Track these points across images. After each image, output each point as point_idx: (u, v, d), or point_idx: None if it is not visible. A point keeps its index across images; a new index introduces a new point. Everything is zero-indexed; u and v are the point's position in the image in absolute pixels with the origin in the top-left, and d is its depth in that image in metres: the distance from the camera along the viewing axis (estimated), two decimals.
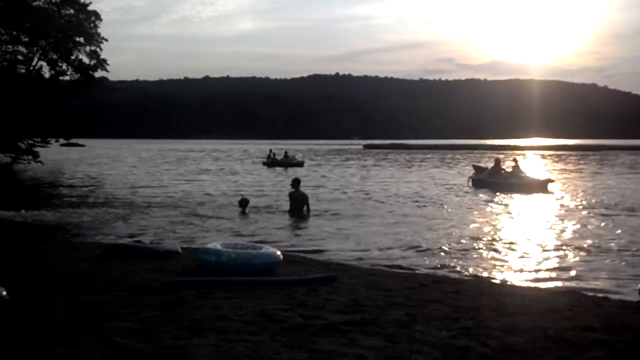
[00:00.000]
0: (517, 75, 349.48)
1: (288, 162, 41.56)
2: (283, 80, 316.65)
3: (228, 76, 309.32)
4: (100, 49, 41.07)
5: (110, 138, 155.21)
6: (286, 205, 15.28)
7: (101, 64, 41.19)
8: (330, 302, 5.67)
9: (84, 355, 3.90)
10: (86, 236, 11.59)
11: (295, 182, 15.28)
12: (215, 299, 5.64)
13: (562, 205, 17.37)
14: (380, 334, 4.62)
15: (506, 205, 17.66)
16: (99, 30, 40.82)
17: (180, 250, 8.63)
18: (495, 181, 22.28)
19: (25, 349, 4.01)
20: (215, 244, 7.66)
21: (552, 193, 20.67)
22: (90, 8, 39.86)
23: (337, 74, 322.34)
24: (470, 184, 23.74)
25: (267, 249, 7.73)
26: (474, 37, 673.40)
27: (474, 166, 26.80)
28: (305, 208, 14.78)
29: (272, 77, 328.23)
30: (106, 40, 41.36)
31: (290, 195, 15.08)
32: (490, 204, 17.93)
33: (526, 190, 20.55)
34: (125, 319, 4.83)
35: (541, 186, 21.55)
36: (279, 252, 7.61)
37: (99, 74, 41.76)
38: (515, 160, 24.01)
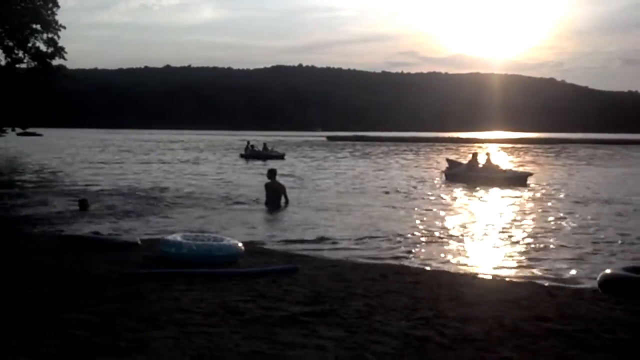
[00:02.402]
0: (478, 69, 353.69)
1: (268, 154, 40.31)
2: (246, 70, 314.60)
3: (190, 66, 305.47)
4: (58, 37, 40.15)
5: (68, 127, 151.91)
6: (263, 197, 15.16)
7: (59, 51, 40.27)
8: (291, 293, 5.68)
9: (41, 348, 3.83)
10: (43, 227, 11.36)
11: (271, 173, 15.13)
12: (175, 291, 5.60)
13: (532, 198, 17.64)
14: (340, 325, 4.65)
15: (478, 198, 17.94)
16: (56, 17, 39.91)
17: (139, 242, 8.53)
18: (473, 175, 22.38)
19: None
20: (176, 236, 7.60)
21: (530, 187, 20.91)
22: None
23: (300, 65, 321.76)
24: (443, 177, 23.93)
25: (229, 240, 7.70)
26: (437, 30, 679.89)
27: (447, 160, 27.03)
28: (283, 199, 14.71)
29: (235, 67, 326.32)
30: (64, 27, 40.45)
31: (266, 186, 14.94)
32: (462, 197, 18.18)
33: (505, 184, 20.65)
34: (83, 311, 4.76)
35: (520, 180, 21.73)
36: (240, 244, 7.59)
37: (56, 62, 40.86)
38: (487, 154, 24.29)
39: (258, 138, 58.44)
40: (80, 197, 14.05)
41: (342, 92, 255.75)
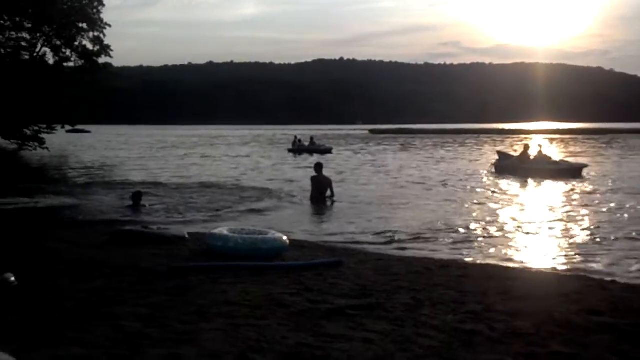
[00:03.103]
0: (522, 59, 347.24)
1: (315, 148, 39.52)
2: (287, 65, 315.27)
3: (232, 61, 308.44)
4: (104, 35, 40.90)
5: (114, 124, 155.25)
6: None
7: (105, 49, 41.03)
8: (337, 287, 5.69)
9: (94, 339, 3.93)
10: (94, 222, 11.63)
11: (318, 167, 15.10)
12: (222, 284, 5.67)
13: (586, 190, 17.04)
14: (386, 318, 4.64)
15: (530, 190, 17.57)
16: (102, 15, 40.67)
17: (187, 236, 8.65)
18: (525, 167, 21.74)
19: (35, 334, 4.04)
20: (222, 229, 7.69)
21: (585, 179, 20.33)
22: None
23: (342, 58, 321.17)
24: (493, 170, 23.50)
25: (274, 234, 7.74)
26: (480, 20, 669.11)
27: (498, 152, 26.45)
28: (329, 192, 14.71)
29: (276, 62, 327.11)
30: (109, 25, 41.17)
31: (313, 179, 14.93)
32: (513, 189, 17.76)
33: (558, 176, 20.00)
34: (133, 304, 4.86)
35: (575, 172, 21.06)
36: (285, 237, 7.62)
37: (102, 60, 41.63)
38: (539, 146, 23.67)
39: (299, 132, 58.42)
40: (133, 191, 14.22)
41: (383, 85, 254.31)
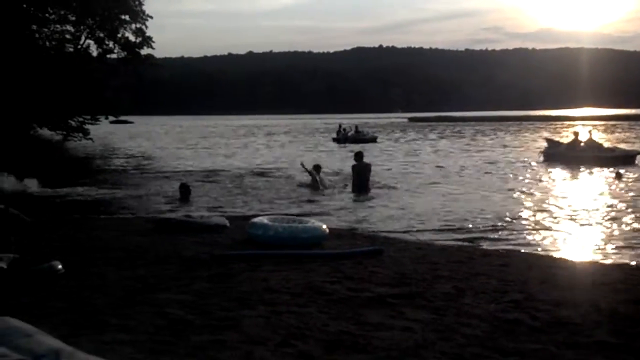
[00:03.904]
0: (567, 44, 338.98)
1: (360, 137, 39.13)
2: (326, 53, 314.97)
3: (271, 51, 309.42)
4: (146, 27, 41.47)
5: (156, 115, 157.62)
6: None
7: (147, 41, 41.60)
8: (377, 275, 5.69)
9: (138, 326, 4.02)
10: (138, 210, 11.87)
11: (359, 155, 15.06)
12: (263, 272, 5.72)
13: (637, 178, 16.61)
14: (427, 307, 4.62)
15: (579, 179, 17.19)
16: (143, 7, 41.22)
17: (228, 224, 8.75)
18: (576, 155, 21.18)
19: (81, 320, 4.15)
20: (262, 218, 7.77)
21: (638, 166, 19.73)
22: None
23: (381, 46, 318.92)
24: (542, 158, 23.07)
25: (313, 222, 7.78)
26: (523, 4, 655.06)
27: (546, 139, 25.91)
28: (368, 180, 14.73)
29: (315, 50, 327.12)
30: (151, 17, 41.72)
31: (354, 168, 14.91)
32: (563, 177, 17.45)
33: (611, 164, 19.43)
34: (176, 291, 4.95)
35: (629, 159, 20.48)
36: (324, 226, 7.65)
37: (144, 51, 42.24)
38: (589, 133, 23.06)
39: (338, 121, 58.25)
40: (181, 181, 14.39)
41: (423, 72, 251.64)
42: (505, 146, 33.40)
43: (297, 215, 9.57)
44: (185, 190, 13.39)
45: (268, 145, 37.94)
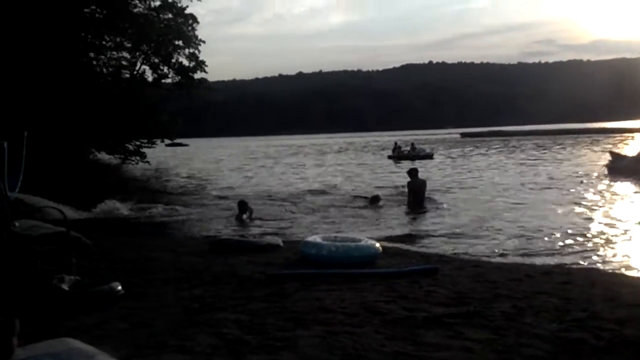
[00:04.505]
0: (623, 54, 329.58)
1: (416, 154, 38.74)
2: (375, 72, 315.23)
3: (321, 71, 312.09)
4: (199, 51, 42.37)
5: (210, 137, 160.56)
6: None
7: (200, 65, 42.49)
8: (433, 294, 5.59)
9: (196, 346, 4.06)
10: (196, 231, 12.07)
11: (413, 172, 14.97)
12: (317, 291, 5.71)
13: None
14: (486, 327, 4.51)
15: None
16: (196, 32, 42.18)
17: (281, 244, 8.80)
18: None
19: (141, 340, 4.22)
20: (316, 237, 7.77)
21: None
22: (187, 12, 41.29)
23: (430, 62, 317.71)
24: (606, 171, 22.38)
25: (367, 241, 7.74)
26: (576, 15, 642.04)
27: (611, 153, 25.18)
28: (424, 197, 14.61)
29: (364, 69, 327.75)
30: (203, 42, 42.62)
31: (408, 185, 14.83)
32: (629, 192, 16.81)
33: None
34: (233, 311, 4.98)
35: None
36: (378, 244, 7.61)
37: (198, 75, 43.12)
38: None
39: (388, 138, 58.07)
40: (238, 200, 14.52)
41: (475, 87, 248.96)
42: (564, 160, 32.58)
43: (351, 233, 9.55)
44: (243, 207, 13.52)
45: (322, 164, 38.05)
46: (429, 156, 38.24)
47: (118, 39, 37.17)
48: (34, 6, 22.09)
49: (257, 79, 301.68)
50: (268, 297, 5.48)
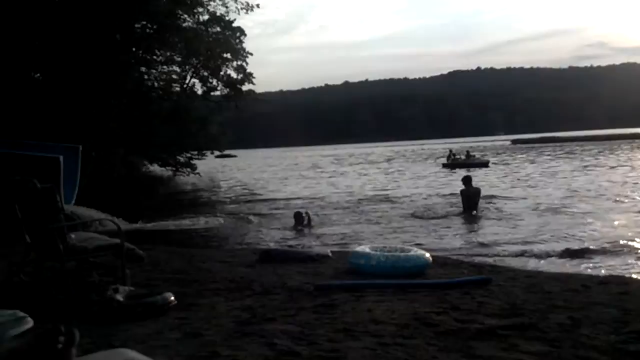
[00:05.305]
0: None
1: (471, 162, 38.23)
2: (422, 79, 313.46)
3: (366, 80, 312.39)
4: (246, 63, 43.07)
5: (258, 147, 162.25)
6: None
7: (247, 77, 43.13)
8: (486, 306, 5.49)
9: (248, 357, 4.07)
10: (245, 242, 12.19)
11: (467, 180, 14.83)
12: (367, 302, 5.67)
13: None
14: (541, 339, 4.40)
15: None
16: (244, 45, 42.85)
17: (330, 254, 8.80)
18: None
19: (194, 351, 4.27)
20: (364, 247, 7.74)
21: None
22: (234, 25, 41.98)
23: (478, 68, 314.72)
24: None
25: (416, 251, 7.67)
26: (628, 16, 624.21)
27: None
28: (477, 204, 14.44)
29: (411, 77, 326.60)
30: (251, 54, 43.31)
31: (462, 193, 14.68)
32: None
33: None
34: (283, 322, 4.99)
35: None
36: (428, 255, 7.52)
37: (245, 87, 43.77)
38: None
39: (436, 146, 57.56)
40: (295, 210, 14.62)
41: (524, 93, 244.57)
42: (621, 166, 31.63)
43: (406, 243, 9.49)
44: (299, 218, 13.61)
45: (374, 173, 37.94)
46: (485, 164, 37.56)
47: (168, 54, 38.05)
48: (88, 23, 22.82)
49: (303, 89, 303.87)
50: (317, 308, 5.47)
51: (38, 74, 25.56)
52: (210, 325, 4.97)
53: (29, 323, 1.34)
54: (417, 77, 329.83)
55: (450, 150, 43.33)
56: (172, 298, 5.59)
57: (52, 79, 24.17)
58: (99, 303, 5.47)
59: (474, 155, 40.54)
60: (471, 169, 32.75)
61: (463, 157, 40.01)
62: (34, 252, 6.27)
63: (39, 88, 24.02)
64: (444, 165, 39.51)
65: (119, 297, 5.39)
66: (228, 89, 43.46)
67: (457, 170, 34.29)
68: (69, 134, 19.99)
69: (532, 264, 8.50)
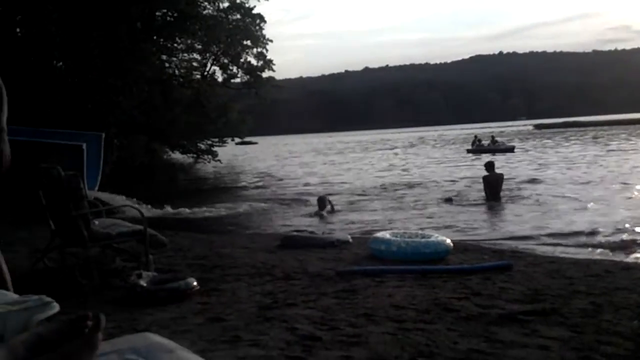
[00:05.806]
0: None
1: (497, 147, 37.71)
2: (443, 64, 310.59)
3: (387, 65, 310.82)
4: (266, 50, 42.98)
5: (279, 134, 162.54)
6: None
7: (268, 64, 43.08)
8: (507, 291, 5.47)
9: (270, 341, 4.12)
10: (267, 227, 12.26)
11: (490, 165, 14.72)
12: (388, 288, 5.69)
13: None
14: (563, 324, 4.38)
15: None
16: (264, 32, 42.76)
17: (350, 240, 8.82)
18: None
19: (216, 335, 4.32)
20: (385, 233, 7.74)
21: None
22: (254, 12, 41.89)
23: (501, 52, 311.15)
24: None
25: (437, 237, 7.65)
26: None
27: None
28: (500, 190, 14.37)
29: (432, 62, 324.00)
30: (271, 41, 43.19)
31: (484, 179, 14.59)
32: None
33: None
34: (304, 307, 5.03)
35: None
36: (448, 240, 7.50)
37: (266, 74, 43.74)
38: None
39: (458, 132, 57.22)
40: (319, 196, 14.62)
41: (548, 77, 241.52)
42: None
43: (427, 230, 9.49)
44: (322, 203, 13.62)
45: (394, 159, 37.80)
46: (510, 149, 37.13)
47: (189, 41, 38.11)
48: (109, 12, 22.98)
49: (323, 76, 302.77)
50: (339, 294, 5.50)
51: (60, 63, 25.79)
52: (232, 310, 5.02)
53: (55, 308, 1.37)
54: (438, 62, 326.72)
55: (476, 136, 42.93)
56: (195, 283, 5.65)
57: (74, 68, 24.40)
58: (122, 288, 5.56)
59: (498, 141, 40.13)
60: (496, 155, 32.55)
61: (488, 142, 39.67)
62: (59, 238, 6.38)
63: (62, 77, 24.25)
64: (469, 151, 39.20)
65: (143, 283, 5.46)
66: (248, 76, 43.47)
67: (482, 156, 33.78)
68: (92, 122, 20.19)
69: (554, 250, 8.44)
